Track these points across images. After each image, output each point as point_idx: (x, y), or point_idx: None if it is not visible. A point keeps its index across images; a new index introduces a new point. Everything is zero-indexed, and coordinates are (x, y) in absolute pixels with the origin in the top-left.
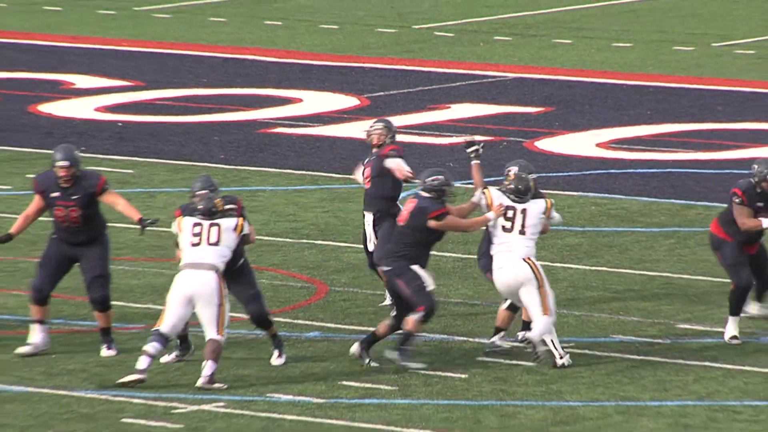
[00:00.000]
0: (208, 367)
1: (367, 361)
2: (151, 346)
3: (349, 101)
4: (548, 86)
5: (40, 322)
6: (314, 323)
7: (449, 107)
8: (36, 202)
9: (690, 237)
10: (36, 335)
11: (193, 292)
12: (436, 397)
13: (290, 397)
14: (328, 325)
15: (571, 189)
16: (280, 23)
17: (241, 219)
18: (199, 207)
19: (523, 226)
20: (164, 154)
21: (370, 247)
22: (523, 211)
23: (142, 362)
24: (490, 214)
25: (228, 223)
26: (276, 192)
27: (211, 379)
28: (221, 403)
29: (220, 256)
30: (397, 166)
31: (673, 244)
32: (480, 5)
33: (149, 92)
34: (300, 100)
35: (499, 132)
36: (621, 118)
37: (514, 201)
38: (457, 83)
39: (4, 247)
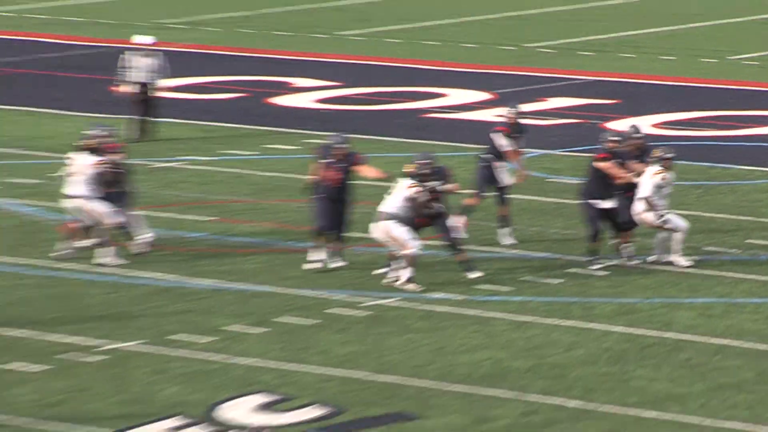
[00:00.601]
0: (407, 272)
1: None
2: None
3: (482, 96)
4: (617, 85)
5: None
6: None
7: (548, 100)
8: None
9: (713, 188)
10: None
11: (380, 236)
12: (542, 295)
13: (440, 295)
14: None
15: None
16: (439, 44)
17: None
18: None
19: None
20: (356, 131)
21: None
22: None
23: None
24: (635, 179)
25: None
26: None
27: (410, 280)
28: (395, 299)
29: (395, 206)
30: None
31: (700, 193)
32: (572, 30)
33: (347, 89)
34: (447, 95)
35: (583, 116)
36: (667, 107)
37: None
38: (555, 84)
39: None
